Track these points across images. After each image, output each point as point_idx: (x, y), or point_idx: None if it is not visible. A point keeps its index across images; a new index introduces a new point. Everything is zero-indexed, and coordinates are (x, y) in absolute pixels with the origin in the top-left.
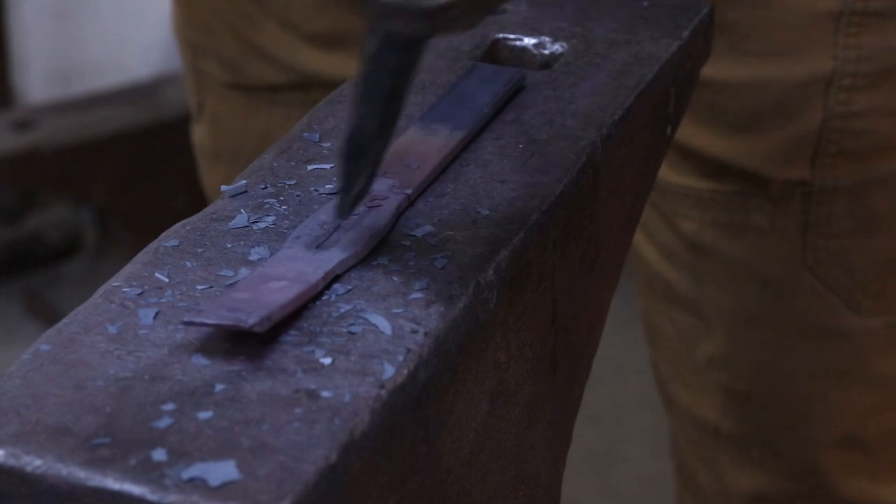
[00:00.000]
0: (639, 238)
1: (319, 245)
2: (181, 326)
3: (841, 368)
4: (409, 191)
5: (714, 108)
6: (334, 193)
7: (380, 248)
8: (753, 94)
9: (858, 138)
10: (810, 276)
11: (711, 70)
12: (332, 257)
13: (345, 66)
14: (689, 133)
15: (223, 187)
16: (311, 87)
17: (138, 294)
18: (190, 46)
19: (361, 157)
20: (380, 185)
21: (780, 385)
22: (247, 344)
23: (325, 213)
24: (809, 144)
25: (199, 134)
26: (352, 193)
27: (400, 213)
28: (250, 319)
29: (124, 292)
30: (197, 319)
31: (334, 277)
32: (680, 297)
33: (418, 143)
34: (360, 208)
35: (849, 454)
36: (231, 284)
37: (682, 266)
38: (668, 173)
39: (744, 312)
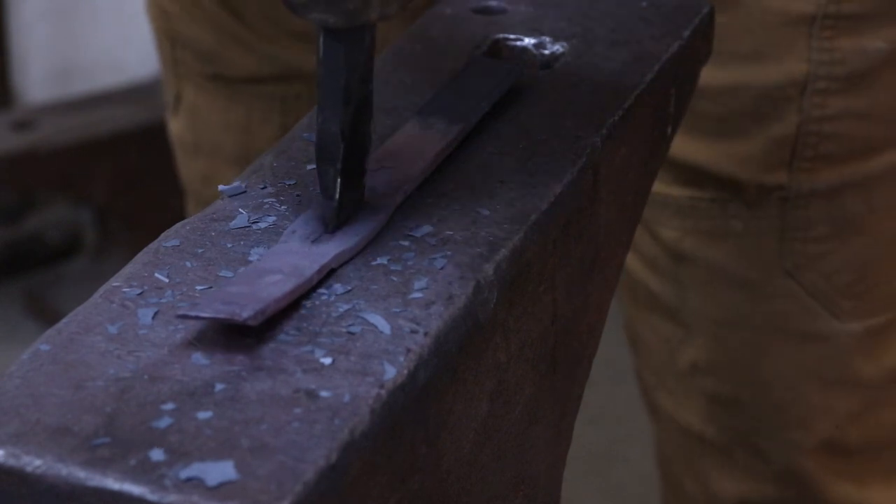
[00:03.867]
0: None
1: (315, 239)
2: (181, 326)
3: (821, 372)
4: (406, 185)
5: (690, 114)
6: None
7: (379, 248)
8: (729, 98)
9: (834, 142)
10: (789, 280)
11: None
12: (328, 251)
13: None
14: None
15: (221, 187)
16: (293, 80)
17: (138, 294)
18: (167, 37)
19: (332, 162)
20: (376, 180)
21: (762, 390)
22: (246, 343)
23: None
24: (786, 149)
25: (177, 126)
26: (333, 199)
27: (396, 208)
28: (244, 313)
29: (124, 292)
30: (192, 313)
31: (331, 273)
32: (662, 305)
33: (415, 137)
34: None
35: (831, 458)
36: (228, 279)
37: (664, 274)
38: None
39: (725, 318)
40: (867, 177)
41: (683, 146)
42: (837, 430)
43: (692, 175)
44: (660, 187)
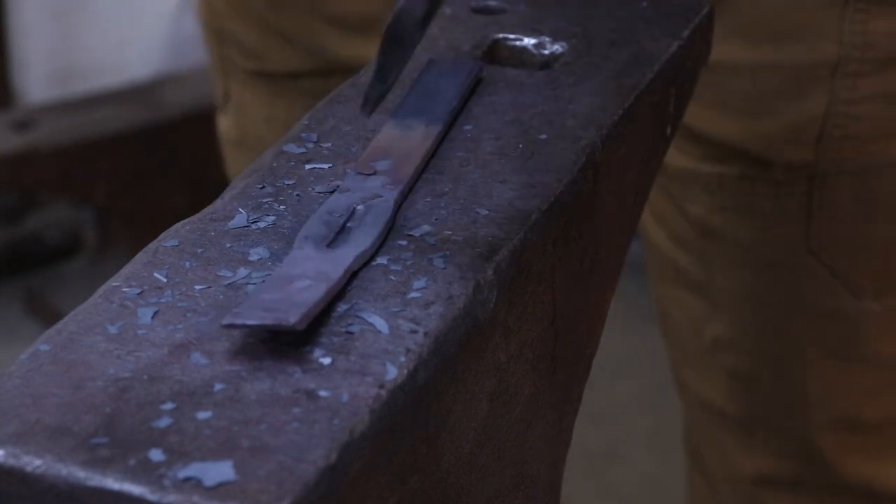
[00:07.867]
0: (649, 223)
1: (330, 243)
2: (181, 326)
3: (840, 351)
4: (401, 186)
5: (720, 91)
6: (331, 192)
7: (377, 248)
8: (759, 77)
9: (863, 124)
10: (813, 259)
11: (719, 53)
12: (347, 254)
13: (368, 51)
14: (697, 116)
15: None
16: (332, 74)
17: (138, 294)
18: (215, 35)
19: (402, 45)
20: (372, 183)
21: (782, 367)
22: (246, 344)
23: (329, 207)
24: (814, 129)
25: (225, 123)
26: (385, 84)
27: (398, 208)
28: (291, 318)
29: (124, 292)
30: (238, 321)
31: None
32: (689, 281)
33: (397, 139)
34: (359, 207)
35: (848, 436)
36: (253, 287)
37: (692, 250)
38: (676, 157)
39: (749, 295)
40: (895, 159)
41: (713, 122)
42: (854, 407)
43: (721, 152)
44: (689, 163)
